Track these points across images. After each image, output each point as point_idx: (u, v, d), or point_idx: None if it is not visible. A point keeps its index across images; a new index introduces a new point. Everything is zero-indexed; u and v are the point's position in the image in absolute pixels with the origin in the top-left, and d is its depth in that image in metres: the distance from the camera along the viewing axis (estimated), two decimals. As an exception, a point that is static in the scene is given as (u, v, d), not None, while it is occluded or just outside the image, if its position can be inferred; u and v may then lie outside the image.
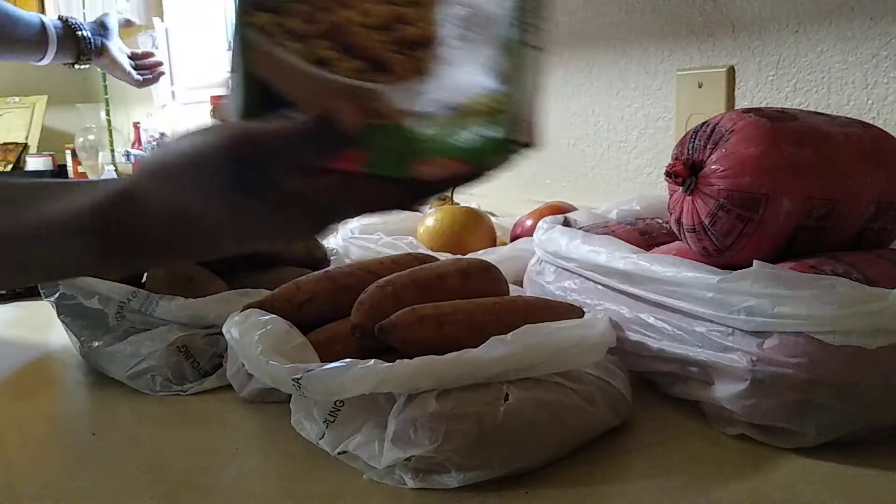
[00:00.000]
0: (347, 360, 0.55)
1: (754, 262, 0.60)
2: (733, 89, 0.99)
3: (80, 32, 1.42)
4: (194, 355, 0.75)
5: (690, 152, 0.68)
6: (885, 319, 0.53)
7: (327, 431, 0.57)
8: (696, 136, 0.68)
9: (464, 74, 0.46)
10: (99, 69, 1.56)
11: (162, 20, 2.95)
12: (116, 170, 2.59)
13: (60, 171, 3.60)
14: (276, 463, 0.61)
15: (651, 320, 0.66)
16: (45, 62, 1.40)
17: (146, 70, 1.56)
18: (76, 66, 1.46)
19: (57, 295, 0.88)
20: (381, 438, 0.55)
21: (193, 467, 0.60)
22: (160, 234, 0.44)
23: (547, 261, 0.80)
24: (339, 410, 0.57)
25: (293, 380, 0.56)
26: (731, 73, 0.99)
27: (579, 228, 0.81)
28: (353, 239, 1.07)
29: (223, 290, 0.78)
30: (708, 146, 0.66)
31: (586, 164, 1.25)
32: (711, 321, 0.60)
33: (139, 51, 1.56)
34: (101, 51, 1.46)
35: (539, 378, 0.56)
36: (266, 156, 0.42)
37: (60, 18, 1.44)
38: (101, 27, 1.48)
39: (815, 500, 0.52)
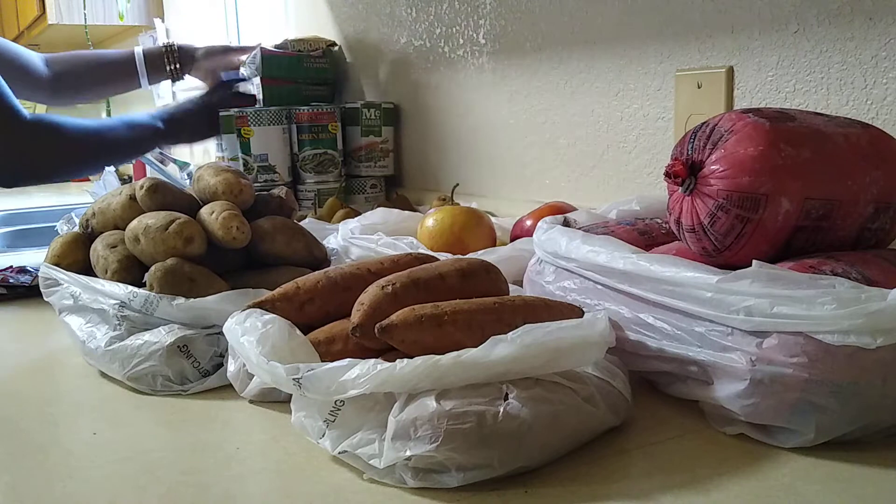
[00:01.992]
0: (347, 360, 0.56)
1: (753, 262, 0.60)
2: (732, 90, 0.99)
3: (167, 55, 1.57)
4: (195, 355, 0.76)
5: (690, 152, 0.68)
6: (883, 319, 0.53)
7: (328, 431, 0.58)
8: (695, 136, 0.68)
9: None
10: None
11: (162, 20, 2.95)
12: (117, 170, 2.59)
13: (61, 171, 3.59)
14: (276, 463, 0.61)
15: (651, 320, 0.66)
16: (144, 88, 1.63)
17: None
18: (174, 83, 1.64)
19: (57, 295, 0.88)
20: (381, 438, 0.55)
21: (194, 467, 0.60)
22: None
23: (547, 261, 0.80)
24: (339, 410, 0.57)
25: (293, 379, 0.56)
26: (730, 73, 0.99)
27: (579, 228, 0.81)
28: (353, 239, 1.07)
29: (224, 290, 0.79)
30: (707, 146, 0.67)
31: (586, 164, 1.25)
32: (711, 321, 0.60)
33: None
34: (190, 65, 1.61)
35: (539, 378, 0.57)
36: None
37: (166, 45, 1.62)
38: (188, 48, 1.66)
39: (814, 499, 0.52)
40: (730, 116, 0.67)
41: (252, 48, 1.65)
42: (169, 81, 1.66)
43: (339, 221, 1.27)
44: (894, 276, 0.62)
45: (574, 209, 1.02)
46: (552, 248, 0.77)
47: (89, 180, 3.16)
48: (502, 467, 0.54)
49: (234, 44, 1.70)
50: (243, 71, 1.67)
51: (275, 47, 1.75)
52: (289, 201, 0.96)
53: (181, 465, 0.61)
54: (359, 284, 0.66)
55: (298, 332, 0.63)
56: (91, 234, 0.92)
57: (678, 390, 0.66)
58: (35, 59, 1.49)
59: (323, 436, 0.58)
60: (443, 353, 0.54)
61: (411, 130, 1.69)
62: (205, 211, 0.85)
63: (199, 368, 0.76)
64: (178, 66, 1.62)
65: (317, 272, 0.71)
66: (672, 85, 1.07)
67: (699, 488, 0.53)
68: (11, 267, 1.24)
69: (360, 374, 0.54)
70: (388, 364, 0.54)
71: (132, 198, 0.89)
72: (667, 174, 0.68)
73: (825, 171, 0.65)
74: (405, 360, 0.54)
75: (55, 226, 1.21)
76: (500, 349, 0.55)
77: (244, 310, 0.67)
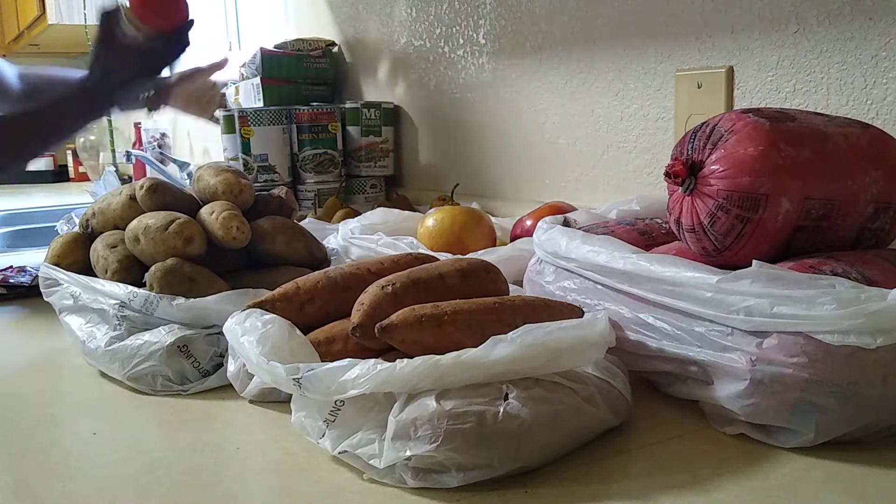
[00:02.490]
0: (347, 360, 0.56)
1: (753, 262, 0.60)
2: (732, 90, 1.00)
3: None
4: (195, 355, 0.76)
5: (690, 152, 0.68)
6: (883, 319, 0.53)
7: (327, 431, 0.58)
8: (695, 136, 0.68)
9: None
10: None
11: (162, 20, 2.95)
12: (117, 170, 2.59)
13: (61, 171, 3.60)
14: (276, 463, 0.61)
15: (651, 320, 0.66)
16: (115, 115, 1.52)
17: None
18: (150, 113, 1.56)
19: (57, 295, 0.88)
20: (381, 438, 0.55)
21: (194, 467, 0.60)
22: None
23: (547, 261, 0.80)
24: (339, 410, 0.57)
25: (293, 379, 0.56)
26: (730, 73, 0.99)
27: (579, 228, 0.81)
28: (353, 239, 1.07)
29: (224, 290, 0.79)
30: (707, 146, 0.67)
31: (586, 164, 1.25)
32: (711, 321, 0.60)
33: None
34: (167, 94, 1.53)
35: (539, 378, 0.57)
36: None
37: None
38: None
39: (814, 499, 0.52)
40: (730, 116, 0.67)
41: (222, 63, 1.60)
42: (145, 110, 1.59)
43: (339, 221, 1.27)
44: (894, 276, 0.62)
45: (574, 209, 1.02)
46: (552, 248, 0.77)
47: (88, 178, 3.16)
48: (502, 467, 0.54)
49: (204, 63, 1.62)
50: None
51: (275, 47, 1.75)
52: (289, 201, 0.96)
53: (181, 465, 0.61)
54: (359, 284, 0.66)
55: (298, 332, 0.63)
56: (91, 234, 0.92)
57: (678, 390, 0.66)
58: (6, 70, 1.47)
59: (323, 436, 0.58)
60: (443, 353, 0.54)
61: (411, 130, 1.69)
62: (205, 211, 0.85)
63: (199, 368, 0.76)
64: (150, 94, 1.57)
65: (317, 272, 0.71)
66: (672, 85, 1.07)
67: (699, 488, 0.53)
68: (11, 267, 1.24)
69: (360, 374, 0.54)
70: (388, 364, 0.54)
71: (132, 198, 0.89)
72: (667, 174, 0.68)
73: (825, 171, 0.65)
74: (405, 360, 0.54)
75: (55, 226, 1.20)
76: (500, 349, 0.55)
77: (244, 310, 0.67)
